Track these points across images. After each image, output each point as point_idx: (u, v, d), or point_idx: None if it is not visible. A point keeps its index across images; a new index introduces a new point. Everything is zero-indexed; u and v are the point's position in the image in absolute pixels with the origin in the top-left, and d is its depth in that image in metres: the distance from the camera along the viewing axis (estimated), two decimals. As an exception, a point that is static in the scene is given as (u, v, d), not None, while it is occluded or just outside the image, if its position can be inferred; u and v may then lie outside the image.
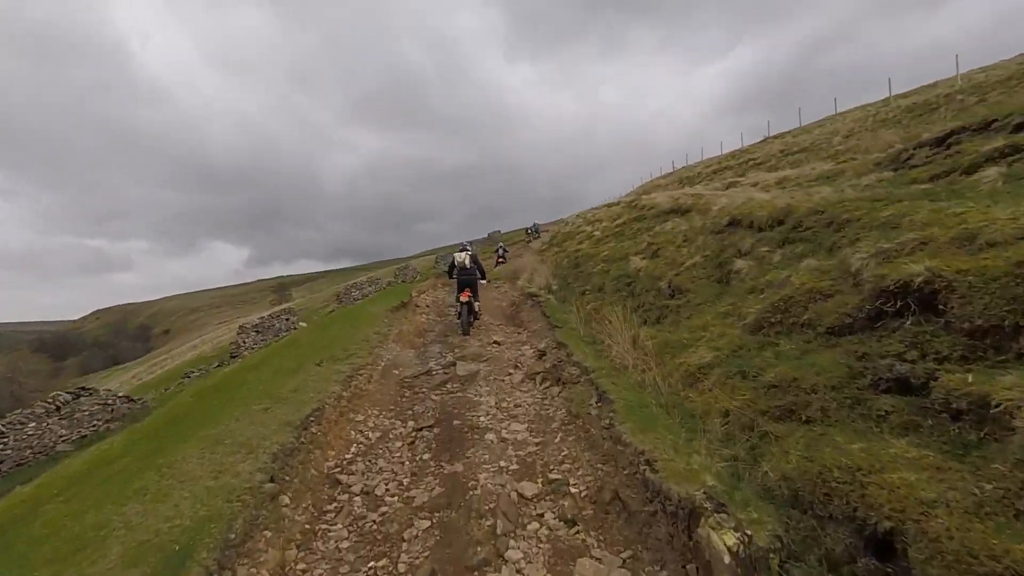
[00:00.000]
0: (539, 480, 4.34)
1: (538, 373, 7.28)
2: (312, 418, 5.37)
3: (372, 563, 3.60)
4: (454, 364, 7.94)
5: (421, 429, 5.74)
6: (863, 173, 8.85)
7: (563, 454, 4.75)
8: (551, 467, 4.55)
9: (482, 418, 5.91)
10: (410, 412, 6.32)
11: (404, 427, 5.91)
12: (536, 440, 5.19)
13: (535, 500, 4.11)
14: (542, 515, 3.91)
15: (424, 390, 7.06)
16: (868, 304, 4.11)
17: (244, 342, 18.88)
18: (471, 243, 12.05)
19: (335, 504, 4.42)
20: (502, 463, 4.73)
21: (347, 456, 5.23)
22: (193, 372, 16.49)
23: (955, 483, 2.52)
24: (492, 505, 4.07)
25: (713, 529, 2.84)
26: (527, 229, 37.55)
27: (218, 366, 17.22)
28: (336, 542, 3.88)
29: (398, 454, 5.26)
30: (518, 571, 3.33)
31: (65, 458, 9.51)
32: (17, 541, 3.61)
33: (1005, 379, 2.80)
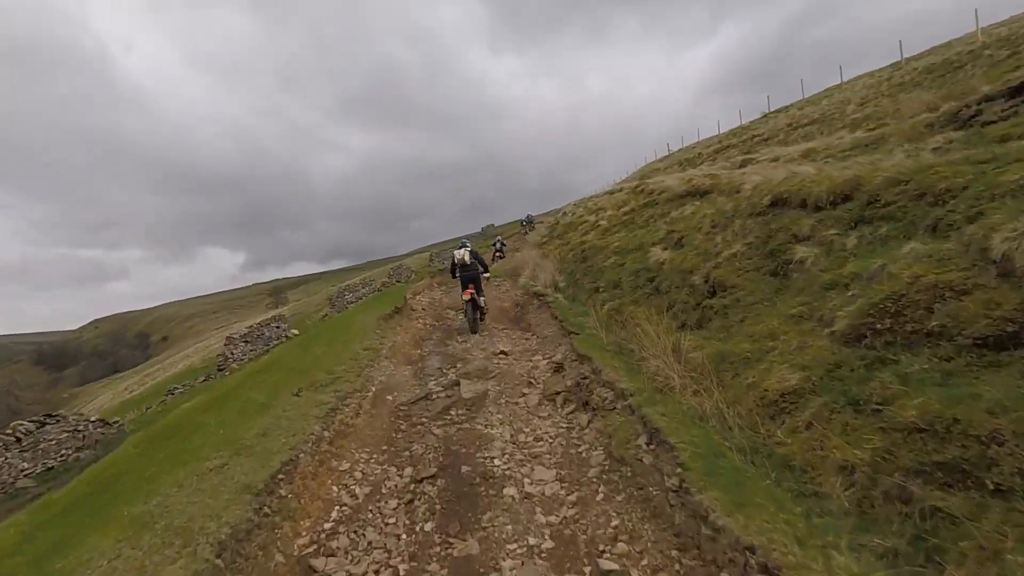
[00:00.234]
0: (587, 573, 3.08)
1: (558, 393, 6.02)
2: (281, 475, 4.10)
3: None
4: (457, 384, 6.67)
5: (421, 480, 4.47)
6: (915, 138, 7.58)
7: (613, 524, 3.49)
8: (600, 547, 3.28)
9: (496, 460, 4.65)
10: (407, 454, 5.05)
11: (400, 477, 4.64)
12: (571, 496, 3.92)
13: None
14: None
15: (424, 420, 5.78)
16: (1040, 305, 2.87)
17: (232, 353, 17.56)
18: (464, 240, 11.40)
19: (307, 613, 3.16)
20: (531, 539, 3.46)
21: (326, 526, 3.96)
22: (177, 388, 15.23)
23: None
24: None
25: None
26: (521, 221, 36.25)
27: (204, 380, 15.93)
28: None
29: (392, 520, 3.99)
30: None
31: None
32: None
33: None
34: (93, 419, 11.99)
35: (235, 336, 17.96)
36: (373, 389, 6.36)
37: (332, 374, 6.41)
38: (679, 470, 3.31)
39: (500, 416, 5.67)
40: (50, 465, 11.01)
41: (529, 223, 34.52)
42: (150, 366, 66.23)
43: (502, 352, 8.19)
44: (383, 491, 4.42)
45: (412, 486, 4.42)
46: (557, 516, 3.69)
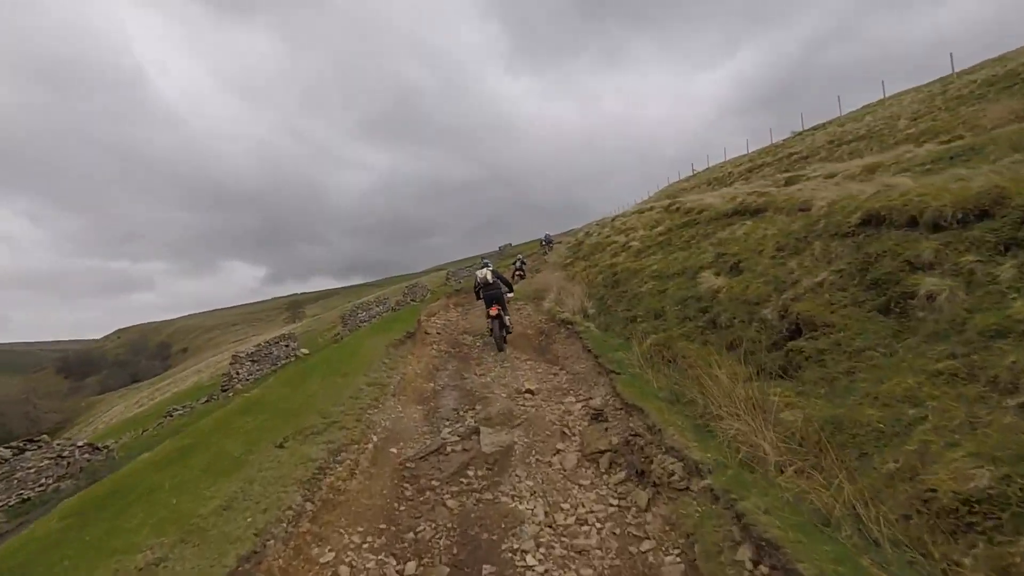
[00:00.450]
0: None
1: (601, 452, 4.79)
2: (237, 578, 2.94)
3: None
4: (476, 432, 5.47)
5: (428, 585, 3.27)
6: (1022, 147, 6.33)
7: None
8: None
9: (529, 557, 3.43)
10: (411, 537, 3.84)
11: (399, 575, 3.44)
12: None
13: None
14: None
15: (435, 484, 4.57)
16: None
17: (237, 373, 16.54)
18: (485, 260, 11.27)
19: None
20: None
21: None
22: (176, 409, 14.22)
23: None
24: None
25: None
26: (540, 241, 35.16)
27: (206, 401, 14.90)
28: None
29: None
30: None
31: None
32: None
33: None
34: (80, 444, 10.98)
35: (241, 355, 16.96)
36: (374, 439, 5.16)
37: (327, 418, 5.25)
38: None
39: (530, 483, 4.45)
40: (26, 496, 9.98)
41: (548, 243, 33.41)
42: (164, 378, 65.77)
43: (528, 391, 6.97)
44: (376, 599, 3.22)
45: (416, 594, 3.21)
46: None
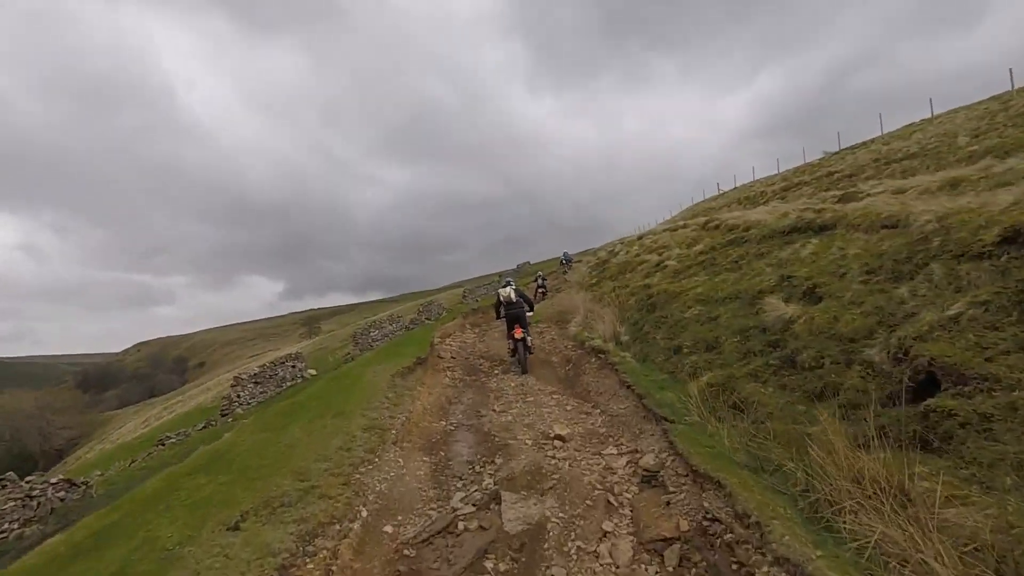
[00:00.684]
0: None
1: (666, 541, 3.55)
2: None
3: None
4: (496, 499, 4.27)
5: None
6: None
7: None
8: None
9: None
10: None
11: None
12: None
13: None
14: None
15: (441, 581, 3.38)
16: None
17: (238, 396, 15.51)
18: (508, 279, 11.07)
19: None
20: None
21: None
22: (170, 438, 13.18)
23: None
24: None
25: None
26: (560, 260, 34.02)
27: (203, 427, 13.86)
28: None
29: None
30: None
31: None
32: None
33: None
34: (54, 481, 9.91)
35: (244, 376, 15.95)
36: (364, 512, 3.95)
37: (305, 480, 4.09)
38: None
39: (572, 585, 3.22)
40: (-13, 541, 8.90)
41: (568, 262, 32.30)
42: (180, 393, 65.35)
43: (558, 437, 5.74)
44: None
45: None
46: None
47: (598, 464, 5.02)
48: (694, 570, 3.25)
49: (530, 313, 10.11)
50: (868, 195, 9.99)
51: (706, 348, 6.74)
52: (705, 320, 7.44)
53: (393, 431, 5.42)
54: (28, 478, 9.72)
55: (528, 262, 58.75)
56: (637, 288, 11.10)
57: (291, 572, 3.02)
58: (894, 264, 5.13)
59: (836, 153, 23.10)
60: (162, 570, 3.01)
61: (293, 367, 18.19)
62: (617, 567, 3.42)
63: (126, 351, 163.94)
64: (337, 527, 3.57)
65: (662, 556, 3.45)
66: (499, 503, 4.20)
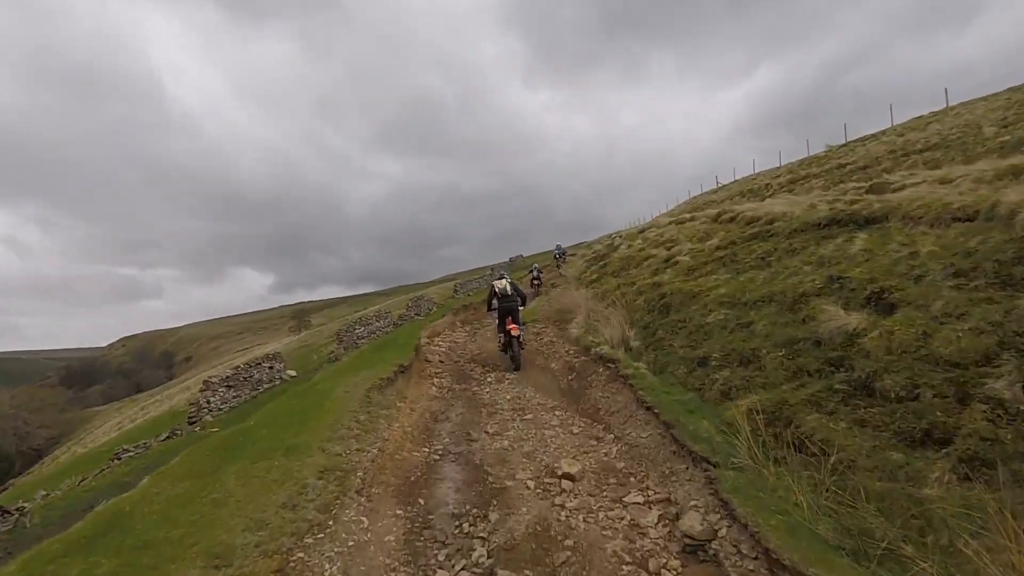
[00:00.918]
0: None
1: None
2: None
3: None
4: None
5: None
6: None
7: None
8: None
9: None
10: None
11: None
12: None
13: None
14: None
15: None
16: None
17: (208, 401, 14.24)
18: (502, 271, 11.00)
19: None
20: None
21: None
22: (128, 451, 11.91)
23: None
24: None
25: None
26: (554, 254, 32.88)
27: (167, 438, 12.59)
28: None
29: None
30: None
31: None
32: None
33: None
34: (-19, 505, 8.62)
35: (214, 380, 14.67)
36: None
37: (222, 567, 2.90)
38: None
39: None
40: None
41: (561, 255, 31.19)
42: (163, 389, 63.67)
43: (566, 476, 4.61)
44: None
45: None
46: None
47: (621, 519, 3.89)
48: None
49: (521, 307, 9.73)
50: (903, 186, 8.92)
51: (740, 361, 5.62)
52: (735, 327, 6.32)
53: (359, 473, 4.25)
54: (-51, 504, 8.44)
55: (521, 255, 57.61)
56: (646, 286, 9.97)
57: None
58: (997, 266, 4.02)
59: (844, 145, 22.07)
60: None
61: (270, 368, 16.93)
62: None
63: (111, 346, 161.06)
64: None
65: None
66: (495, 585, 3.06)
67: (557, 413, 6.77)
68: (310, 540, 3.26)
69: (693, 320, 7.29)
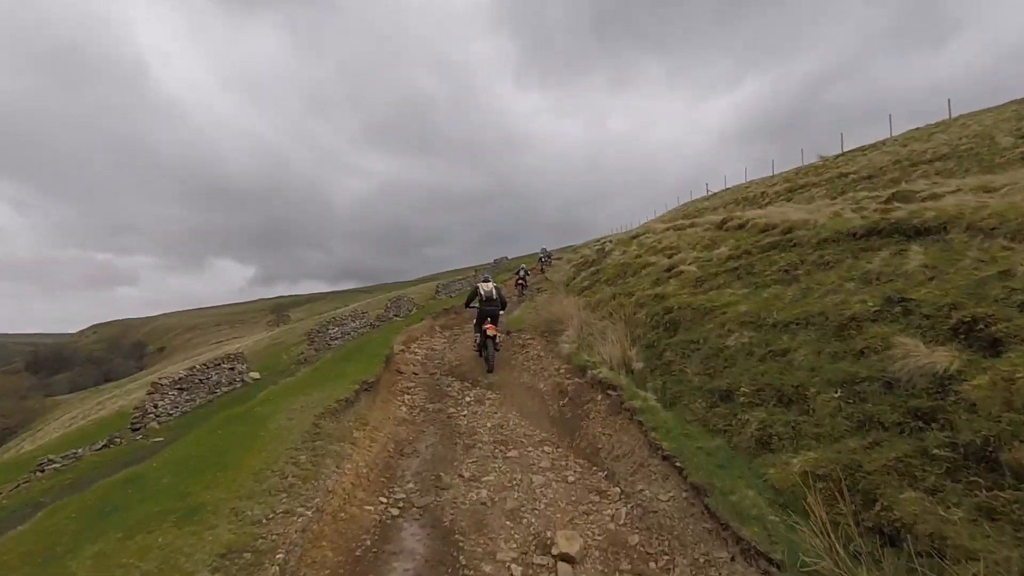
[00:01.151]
0: None
1: None
2: None
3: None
4: None
5: None
6: None
7: None
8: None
9: None
10: None
11: None
12: None
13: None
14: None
15: None
16: None
17: (156, 406, 12.75)
18: (487, 274, 10.70)
19: None
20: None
21: None
22: (53, 462, 10.44)
23: None
24: None
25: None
26: (539, 257, 31.77)
27: (103, 447, 11.12)
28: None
29: None
30: None
31: None
32: None
33: None
34: None
35: (164, 382, 13.17)
36: None
37: None
38: None
39: None
40: None
41: (547, 258, 30.11)
42: (125, 383, 60.99)
43: (563, 557, 3.42)
44: None
45: None
46: None
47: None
48: None
49: (502, 312, 9.60)
50: (935, 194, 7.92)
51: (778, 400, 4.48)
52: (765, 354, 5.19)
53: (279, 553, 3.00)
54: None
55: (506, 257, 56.44)
56: (647, 298, 8.83)
57: None
58: None
59: (841, 155, 21.29)
60: None
61: (231, 369, 15.46)
62: None
63: (82, 333, 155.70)
64: None
65: None
66: None
67: (547, 449, 5.59)
68: None
69: (709, 341, 6.15)
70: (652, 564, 3.36)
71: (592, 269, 14.87)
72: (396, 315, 23.63)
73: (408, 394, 8.23)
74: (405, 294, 28.05)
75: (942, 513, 2.74)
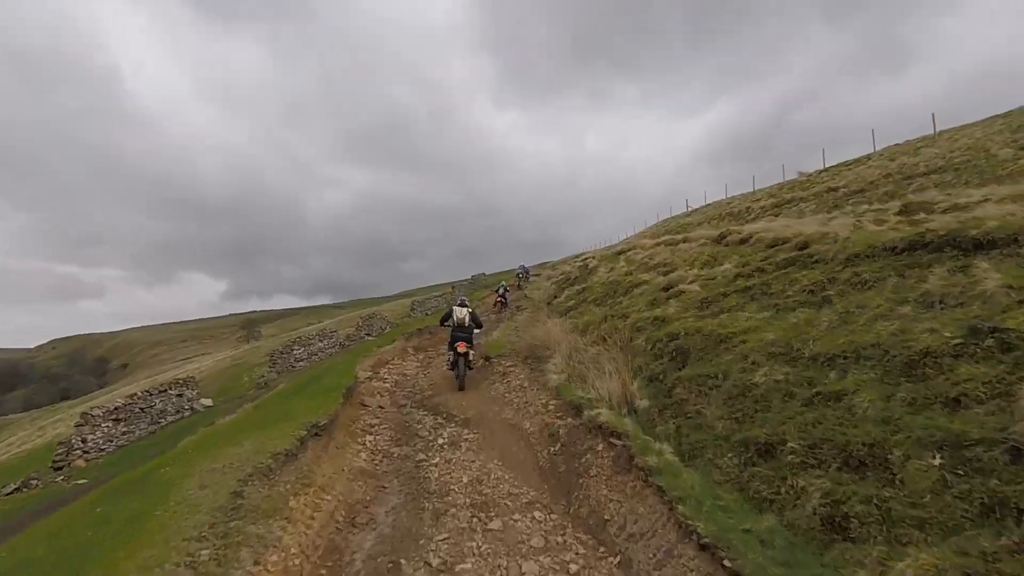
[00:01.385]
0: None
1: None
2: None
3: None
4: None
5: None
6: None
7: None
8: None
9: None
10: None
11: None
12: None
13: None
14: None
15: None
16: None
17: (84, 441, 11.10)
18: (463, 297, 10.26)
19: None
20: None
21: None
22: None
23: None
24: None
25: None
26: (517, 273, 30.82)
27: (12, 492, 9.49)
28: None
29: None
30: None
31: None
32: None
33: None
34: None
35: (97, 412, 11.56)
36: None
37: None
38: None
39: None
40: None
41: (524, 275, 29.29)
42: (79, 403, 57.40)
43: None
44: None
45: None
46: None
47: None
48: None
49: (477, 330, 9.41)
50: (957, 205, 7.07)
51: (844, 462, 3.41)
52: (810, 396, 4.12)
53: None
54: None
55: (483, 273, 55.25)
56: (644, 321, 7.76)
57: None
58: None
59: (825, 170, 20.84)
60: None
61: (179, 396, 13.87)
62: None
63: (40, 347, 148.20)
64: None
65: None
66: None
67: (538, 516, 4.40)
68: None
69: (730, 377, 5.07)
70: None
71: (577, 287, 13.80)
72: (368, 334, 22.21)
73: (371, 434, 6.97)
74: (378, 312, 26.61)
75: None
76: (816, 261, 6.37)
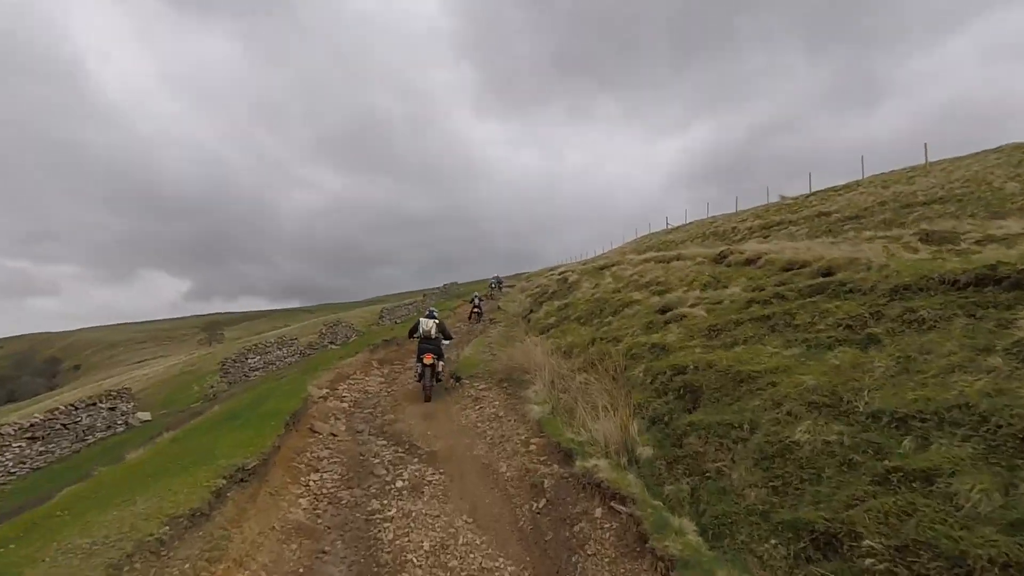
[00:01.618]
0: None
1: None
2: None
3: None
4: None
5: None
6: None
7: None
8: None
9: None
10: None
11: None
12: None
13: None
14: None
15: None
16: None
17: (-13, 462, 9.55)
18: (431, 308, 10.15)
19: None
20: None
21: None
22: None
23: None
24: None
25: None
26: (490, 283, 29.92)
27: None
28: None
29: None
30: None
31: None
32: None
33: None
34: None
35: (8, 431, 9.97)
36: None
37: None
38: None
39: None
40: None
41: (498, 286, 28.61)
42: (24, 405, 53.75)
43: None
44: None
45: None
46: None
47: None
48: None
49: (446, 342, 9.37)
50: (993, 236, 6.31)
51: (952, 567, 2.41)
52: (884, 473, 3.13)
53: None
54: None
55: (456, 282, 53.96)
56: (640, 347, 6.76)
57: None
58: None
59: (812, 194, 20.45)
60: None
61: (111, 410, 12.27)
62: None
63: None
64: None
65: None
66: None
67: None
68: None
69: (759, 428, 4.08)
70: None
71: (558, 303, 12.79)
72: (332, 342, 20.78)
73: (317, 472, 5.79)
74: (344, 319, 25.13)
75: None
76: (850, 291, 5.47)
